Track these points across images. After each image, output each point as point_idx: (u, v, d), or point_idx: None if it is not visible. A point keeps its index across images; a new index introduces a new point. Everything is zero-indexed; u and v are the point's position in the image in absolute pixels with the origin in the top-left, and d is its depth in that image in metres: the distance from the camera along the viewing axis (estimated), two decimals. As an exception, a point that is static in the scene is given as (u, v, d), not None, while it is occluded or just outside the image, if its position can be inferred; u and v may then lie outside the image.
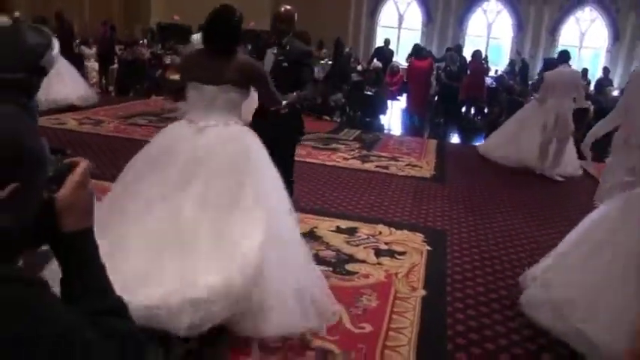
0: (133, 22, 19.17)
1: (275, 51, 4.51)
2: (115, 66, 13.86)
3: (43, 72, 4.49)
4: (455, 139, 11.95)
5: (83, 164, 1.10)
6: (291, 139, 4.65)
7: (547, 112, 7.95)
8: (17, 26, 4.59)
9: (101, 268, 1.09)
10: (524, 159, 8.35)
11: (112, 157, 7.09)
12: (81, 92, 10.78)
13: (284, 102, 3.96)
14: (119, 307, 1.08)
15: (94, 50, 14.48)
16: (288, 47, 4.50)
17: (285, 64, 4.44)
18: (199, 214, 3.11)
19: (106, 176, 6.13)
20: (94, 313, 0.99)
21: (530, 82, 14.62)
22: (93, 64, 14.20)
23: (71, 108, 10.18)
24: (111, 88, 13.54)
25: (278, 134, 4.09)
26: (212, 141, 3.33)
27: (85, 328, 0.90)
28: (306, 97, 4.53)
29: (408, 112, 13.30)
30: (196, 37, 8.04)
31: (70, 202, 1.05)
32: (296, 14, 4.72)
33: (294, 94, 4.21)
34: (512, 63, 16.58)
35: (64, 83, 10.30)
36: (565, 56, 8.14)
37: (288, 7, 4.70)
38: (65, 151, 1.17)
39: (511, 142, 8.67)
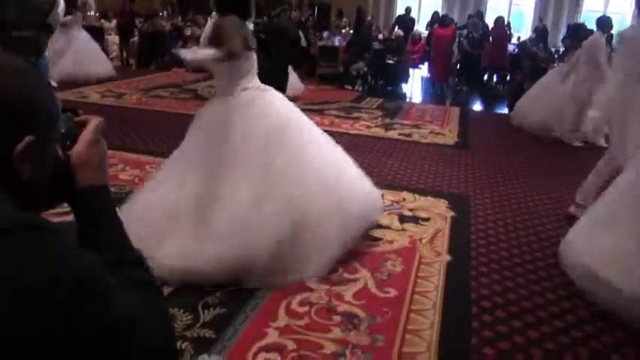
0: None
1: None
2: (136, 39, 13.88)
3: (49, 29, 4.51)
4: (477, 106, 11.85)
5: (95, 121, 1.12)
6: None
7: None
8: None
9: (118, 223, 1.10)
10: (550, 124, 8.24)
11: (135, 129, 7.17)
12: (101, 69, 10.83)
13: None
14: (137, 258, 1.08)
15: (113, 23, 14.52)
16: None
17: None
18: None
19: (129, 147, 6.24)
20: (115, 263, 1.00)
21: (553, 49, 14.44)
22: (113, 38, 14.24)
23: (93, 81, 10.27)
24: (132, 61, 13.59)
25: None
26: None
27: (107, 274, 0.91)
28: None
29: (431, 80, 13.20)
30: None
31: (84, 158, 1.06)
32: None
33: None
34: (535, 30, 16.30)
35: (86, 60, 10.39)
36: (605, 24, 7.73)
37: None
38: (77, 110, 1.18)
39: (539, 108, 8.56)
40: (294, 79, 9.34)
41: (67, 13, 10.33)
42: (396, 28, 13.63)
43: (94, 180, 1.07)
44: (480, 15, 14.29)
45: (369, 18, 14.54)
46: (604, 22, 7.61)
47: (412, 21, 15.65)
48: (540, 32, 14.96)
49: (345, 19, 15.25)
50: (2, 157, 0.89)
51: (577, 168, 6.71)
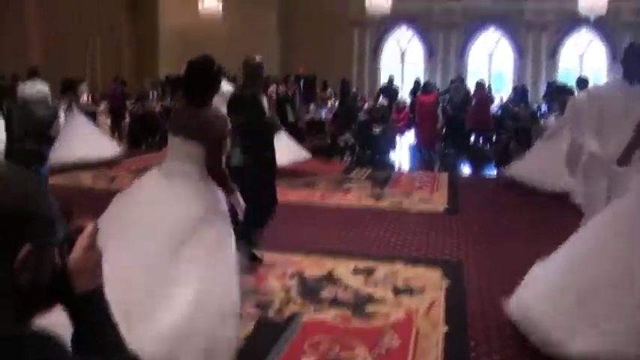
0: (142, 76, 19.56)
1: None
2: (127, 120, 14.10)
3: (51, 141, 4.77)
4: (466, 169, 12.01)
5: (90, 227, 1.15)
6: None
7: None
8: (29, 103, 4.89)
9: (113, 325, 1.14)
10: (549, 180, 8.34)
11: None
12: (107, 150, 11.03)
13: None
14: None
15: (103, 106, 14.77)
16: None
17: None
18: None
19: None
20: None
21: (535, 105, 14.81)
22: (104, 120, 14.45)
23: (86, 164, 10.35)
24: (123, 142, 13.74)
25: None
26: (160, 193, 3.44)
27: None
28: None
29: (418, 147, 13.39)
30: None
31: (80, 265, 1.10)
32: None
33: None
34: (514, 90, 16.71)
35: (87, 142, 10.58)
36: (583, 84, 8.12)
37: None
38: (71, 209, 1.22)
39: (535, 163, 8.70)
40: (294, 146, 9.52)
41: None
42: (380, 98, 13.92)
43: (90, 285, 1.11)
44: (461, 79, 14.65)
45: (354, 89, 14.87)
46: (581, 82, 8.02)
47: (395, 90, 16.01)
48: (520, 92, 15.33)
49: (329, 90, 15.58)
50: (3, 265, 0.94)
51: (574, 225, 6.76)
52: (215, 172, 3.55)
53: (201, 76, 3.61)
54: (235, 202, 3.69)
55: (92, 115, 13.62)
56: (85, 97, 14.31)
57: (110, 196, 7.98)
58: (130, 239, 3.22)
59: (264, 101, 5.28)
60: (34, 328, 0.94)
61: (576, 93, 8.01)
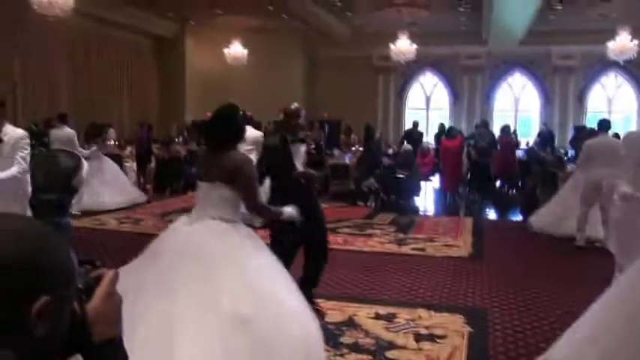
0: (168, 121, 19.89)
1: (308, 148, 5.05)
2: (152, 165, 14.29)
3: (74, 191, 4.83)
4: (491, 215, 11.89)
5: (109, 274, 1.16)
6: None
7: (588, 181, 7.88)
8: (52, 152, 4.98)
9: None
10: (566, 227, 8.26)
11: (152, 256, 7.21)
12: (131, 195, 11.21)
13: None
14: None
15: (128, 150, 15.03)
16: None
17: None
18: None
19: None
20: None
21: (562, 150, 14.67)
22: (131, 164, 14.67)
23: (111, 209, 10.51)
24: (148, 187, 13.91)
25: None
26: (191, 237, 3.45)
27: None
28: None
29: (443, 192, 13.35)
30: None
31: (99, 312, 1.10)
32: None
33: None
34: (539, 134, 16.63)
35: (113, 188, 10.82)
36: (604, 125, 8.10)
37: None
38: (94, 262, 1.23)
39: (556, 211, 8.63)
40: None
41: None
42: (405, 143, 13.94)
43: (108, 333, 1.11)
44: (486, 124, 14.62)
45: (378, 134, 14.93)
46: (601, 123, 8.01)
47: (420, 134, 16.05)
48: (545, 136, 15.23)
49: (354, 136, 15.64)
50: (18, 316, 0.94)
51: (599, 273, 6.63)
52: (256, 209, 3.81)
53: (227, 123, 3.72)
54: (291, 218, 3.99)
55: (118, 159, 13.89)
56: (112, 142, 14.62)
57: (135, 238, 8.15)
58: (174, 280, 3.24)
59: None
60: None
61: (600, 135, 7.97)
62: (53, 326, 0.98)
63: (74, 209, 9.83)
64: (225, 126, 3.71)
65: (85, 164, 4.79)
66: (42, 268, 0.97)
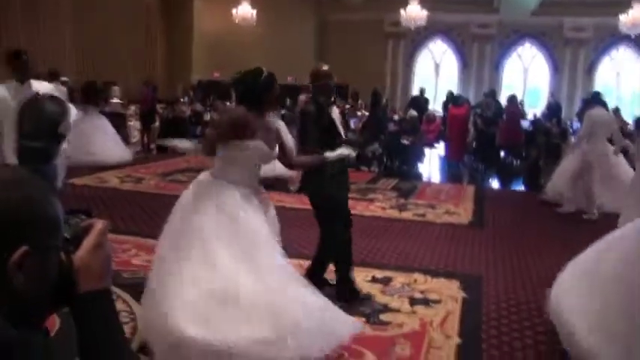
0: (175, 81, 19.77)
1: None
2: (157, 124, 14.26)
3: (61, 137, 4.76)
4: (494, 184, 11.88)
5: (99, 225, 1.12)
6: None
7: (584, 153, 7.89)
8: (37, 98, 4.88)
9: (117, 328, 1.11)
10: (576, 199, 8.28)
11: (151, 214, 7.26)
12: (118, 154, 11.14)
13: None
14: None
15: (133, 110, 14.99)
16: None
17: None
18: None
19: (144, 233, 6.31)
20: None
21: (568, 122, 14.58)
22: (135, 124, 14.65)
23: (113, 166, 10.50)
24: (152, 146, 13.90)
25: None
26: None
27: None
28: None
29: (447, 159, 13.32)
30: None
31: (87, 263, 1.07)
32: None
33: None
34: (549, 106, 16.49)
35: (105, 144, 10.72)
36: (597, 98, 8.04)
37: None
38: (89, 211, 1.20)
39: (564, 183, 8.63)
40: None
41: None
42: (411, 109, 13.85)
43: (96, 285, 1.07)
44: (493, 94, 14.50)
45: (385, 100, 14.82)
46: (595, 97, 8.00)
47: (426, 101, 15.94)
48: (553, 108, 15.10)
49: (360, 101, 15.56)
50: None
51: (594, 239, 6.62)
52: (293, 164, 4.06)
53: (248, 87, 3.73)
54: (335, 156, 4.05)
55: (122, 118, 13.85)
56: (116, 100, 14.57)
57: (136, 196, 8.16)
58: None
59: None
60: (28, 334, 0.92)
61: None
62: (35, 278, 0.96)
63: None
64: (249, 89, 3.71)
65: (73, 110, 4.71)
66: (23, 218, 0.95)
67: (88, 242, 1.09)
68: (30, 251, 0.94)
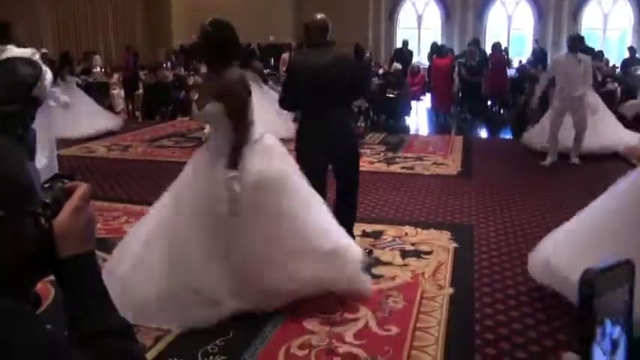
0: (156, 46, 19.51)
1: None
2: (140, 91, 14.10)
3: (35, 102, 4.60)
4: (482, 133, 11.87)
5: (81, 189, 1.09)
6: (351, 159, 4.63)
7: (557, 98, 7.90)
8: (8, 60, 4.73)
9: (102, 291, 1.08)
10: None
11: (140, 180, 7.24)
12: (105, 124, 10.98)
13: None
14: (121, 328, 1.07)
15: (116, 77, 14.80)
16: None
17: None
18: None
19: (134, 200, 6.30)
20: (95, 335, 1.00)
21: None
22: (118, 92, 14.48)
23: (100, 135, 10.40)
24: (137, 114, 13.76)
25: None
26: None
27: (69, 353, 0.91)
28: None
29: (433, 111, 13.27)
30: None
31: (67, 227, 1.04)
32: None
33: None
34: (534, 52, 16.39)
35: (90, 117, 10.59)
36: (574, 43, 7.94)
37: (323, 15, 4.48)
38: (72, 175, 1.17)
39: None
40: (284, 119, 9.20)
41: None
42: (395, 62, 13.72)
43: (77, 249, 1.05)
44: (477, 42, 14.37)
45: (368, 54, 14.65)
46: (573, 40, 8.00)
47: (410, 54, 15.80)
48: (538, 54, 15.01)
49: (344, 57, 15.38)
50: None
51: (585, 188, 6.65)
52: (237, 140, 3.48)
53: (208, 41, 3.50)
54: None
55: (105, 87, 13.69)
56: (98, 69, 14.38)
57: (124, 164, 8.11)
58: None
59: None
60: (14, 303, 0.90)
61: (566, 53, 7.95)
62: (11, 243, 0.94)
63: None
64: (210, 43, 3.49)
65: (49, 73, 4.54)
66: None
67: (68, 206, 1.06)
68: (4, 216, 0.91)
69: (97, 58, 15.37)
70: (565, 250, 3.61)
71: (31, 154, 4.52)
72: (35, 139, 5.01)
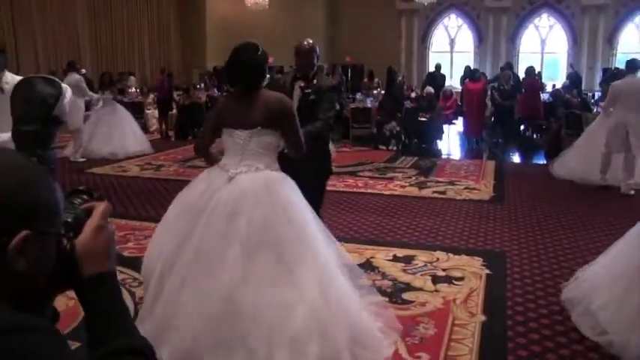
0: (190, 68, 19.81)
1: (302, 84, 4.38)
2: (174, 111, 14.29)
3: (57, 120, 4.61)
4: (515, 158, 11.75)
5: (101, 208, 1.11)
6: (318, 181, 4.48)
7: (611, 123, 7.72)
8: (29, 79, 4.79)
9: (122, 311, 1.10)
10: (590, 173, 8.11)
11: (171, 199, 7.25)
12: (138, 147, 11.12)
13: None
14: (142, 347, 1.07)
15: (151, 98, 15.06)
16: (315, 81, 4.41)
17: (313, 97, 4.30)
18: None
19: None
20: (114, 354, 1.01)
21: (590, 94, 14.32)
22: (152, 112, 14.71)
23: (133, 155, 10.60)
24: (171, 134, 13.93)
25: (302, 177, 3.61)
26: (242, 194, 3.17)
27: None
28: (312, 133, 3.99)
29: (465, 135, 13.19)
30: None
31: (89, 247, 1.06)
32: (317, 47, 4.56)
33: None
34: (569, 76, 16.22)
35: (124, 137, 10.80)
36: (633, 65, 7.81)
37: (310, 40, 4.54)
38: (92, 192, 1.18)
39: (578, 156, 8.47)
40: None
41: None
42: (427, 86, 13.71)
43: (99, 268, 1.07)
44: (510, 66, 14.31)
45: (400, 77, 14.68)
46: (629, 64, 7.76)
47: (443, 77, 15.78)
48: (573, 79, 14.86)
49: (376, 80, 15.44)
50: None
51: (622, 217, 6.52)
52: (297, 149, 3.45)
53: (242, 64, 3.36)
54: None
55: (140, 107, 13.94)
56: (133, 90, 14.65)
57: (156, 183, 8.19)
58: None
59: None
60: (34, 319, 0.91)
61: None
62: (34, 262, 0.95)
63: (78, 155, 9.95)
64: (244, 67, 3.34)
65: (69, 91, 4.55)
66: (22, 203, 0.93)
67: (89, 225, 1.08)
68: (29, 235, 0.92)
69: (133, 79, 15.67)
70: (606, 298, 3.52)
71: (51, 172, 4.58)
72: (56, 161, 5.04)
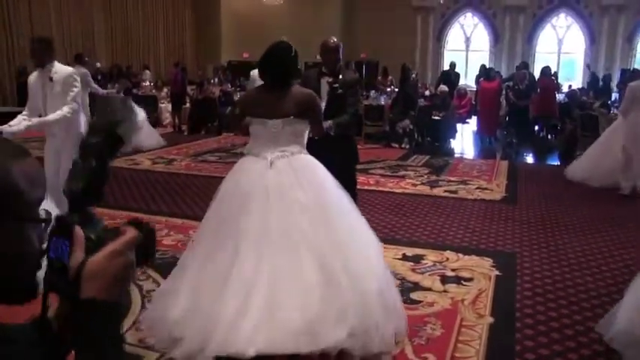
0: (205, 62, 19.83)
1: (329, 79, 4.75)
2: (187, 106, 14.31)
3: (120, 141, 4.66)
4: (528, 159, 11.65)
5: (129, 235, 1.04)
6: (347, 166, 4.70)
7: (630, 125, 7.61)
8: (107, 95, 4.91)
9: (112, 342, 1.01)
10: (607, 176, 8.01)
11: (182, 194, 7.30)
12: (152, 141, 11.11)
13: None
14: None
15: (165, 92, 15.07)
16: (341, 76, 4.77)
17: (341, 91, 4.71)
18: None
19: (175, 213, 6.36)
20: None
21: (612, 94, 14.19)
22: (166, 106, 14.73)
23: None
24: (184, 128, 13.95)
25: (331, 162, 3.83)
26: (288, 174, 3.45)
27: None
28: (341, 123, 4.59)
29: (479, 134, 13.10)
30: (255, 72, 8.15)
31: (97, 268, 0.98)
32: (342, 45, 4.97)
33: (329, 121, 4.40)
34: (590, 79, 16.07)
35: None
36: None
37: (335, 38, 4.96)
38: (142, 222, 1.10)
39: (595, 160, 8.37)
40: None
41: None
42: (442, 84, 13.62)
43: (99, 294, 0.98)
44: (526, 66, 14.17)
45: (414, 75, 14.59)
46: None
47: (457, 76, 15.66)
48: (590, 79, 14.73)
49: (390, 77, 15.37)
50: None
51: (630, 220, 6.46)
52: (321, 132, 3.88)
53: (278, 61, 3.66)
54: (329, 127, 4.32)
55: (154, 101, 13.96)
56: (148, 83, 14.68)
57: (168, 177, 8.20)
58: None
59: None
60: (13, 331, 0.91)
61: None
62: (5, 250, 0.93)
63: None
64: (280, 64, 3.65)
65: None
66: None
67: (108, 248, 1.01)
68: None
69: (147, 73, 15.73)
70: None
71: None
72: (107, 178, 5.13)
